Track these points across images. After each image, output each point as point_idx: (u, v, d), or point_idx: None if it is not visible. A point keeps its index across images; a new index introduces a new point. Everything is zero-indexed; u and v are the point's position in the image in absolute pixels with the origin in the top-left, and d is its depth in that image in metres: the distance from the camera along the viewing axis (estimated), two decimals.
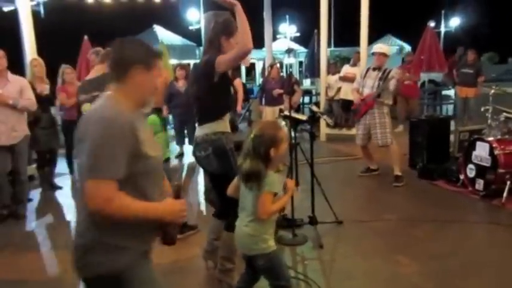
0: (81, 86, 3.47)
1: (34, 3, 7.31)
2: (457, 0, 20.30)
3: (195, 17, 16.80)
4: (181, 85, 5.60)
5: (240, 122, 7.71)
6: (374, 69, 5.02)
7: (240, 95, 6.18)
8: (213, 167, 2.57)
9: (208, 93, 2.53)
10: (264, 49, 10.54)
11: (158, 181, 1.57)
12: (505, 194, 4.08)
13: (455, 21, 22.11)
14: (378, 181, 5.13)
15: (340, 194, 4.58)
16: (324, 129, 7.67)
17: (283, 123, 3.91)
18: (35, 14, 7.07)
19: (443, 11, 21.32)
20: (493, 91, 4.76)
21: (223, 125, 2.57)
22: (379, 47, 5.21)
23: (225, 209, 2.56)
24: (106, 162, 1.35)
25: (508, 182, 4.07)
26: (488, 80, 7.84)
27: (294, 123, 3.61)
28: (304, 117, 3.71)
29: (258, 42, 10.96)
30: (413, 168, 5.39)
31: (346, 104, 7.59)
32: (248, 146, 1.99)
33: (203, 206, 4.44)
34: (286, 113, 3.65)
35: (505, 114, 4.45)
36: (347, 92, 7.48)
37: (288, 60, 16.15)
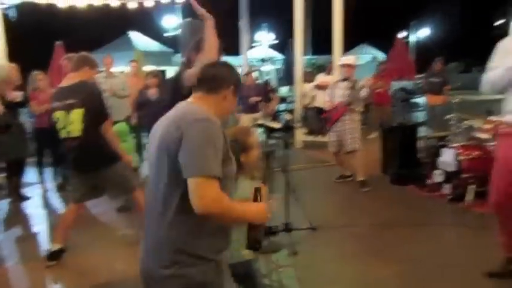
0: (55, 93, 3.39)
1: (5, 6, 7.10)
2: (426, 12, 21.03)
3: (172, 23, 16.71)
4: (152, 93, 5.52)
5: None
6: (343, 80, 5.16)
7: None
8: None
9: (171, 104, 2.56)
10: (240, 56, 10.59)
11: (232, 188, 1.61)
12: (469, 197, 4.24)
13: (425, 32, 22.90)
14: (352, 187, 5.21)
15: (315, 201, 4.63)
16: (300, 137, 7.75)
17: (259, 131, 3.94)
18: (6, 18, 6.88)
19: (413, 22, 22.05)
20: (456, 100, 4.98)
21: None
22: (346, 58, 5.43)
23: None
24: (211, 160, 1.37)
25: (472, 186, 4.23)
26: (455, 88, 8.11)
27: (269, 131, 3.65)
28: (278, 125, 3.76)
29: (235, 50, 11.00)
30: (386, 173, 5.52)
31: (321, 112, 7.69)
32: None
33: None
34: (260, 121, 3.68)
35: (466, 122, 4.65)
36: (322, 100, 7.59)
37: (265, 67, 16.30)
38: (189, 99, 1.57)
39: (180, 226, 1.43)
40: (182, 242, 1.44)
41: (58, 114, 3.19)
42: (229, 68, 1.63)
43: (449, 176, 4.51)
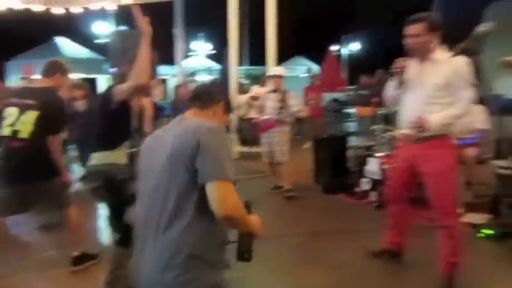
0: (17, 90, 3.26)
1: None
2: (357, 27, 22.42)
3: (103, 30, 16.12)
4: (80, 105, 5.33)
5: None
6: (273, 91, 5.34)
7: (148, 114, 6.06)
8: (106, 199, 2.54)
9: (103, 121, 2.55)
10: (176, 66, 10.51)
11: None
12: None
13: (356, 46, 24.38)
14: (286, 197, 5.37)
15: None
16: (236, 148, 7.84)
17: None
18: None
19: (345, 36, 23.36)
20: (382, 111, 5.40)
21: (115, 155, 2.55)
22: (275, 69, 5.65)
23: (126, 236, 2.51)
24: (228, 165, 1.50)
25: None
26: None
27: None
28: None
29: (170, 59, 10.87)
30: (319, 183, 5.78)
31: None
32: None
33: (105, 233, 4.22)
34: None
35: (389, 132, 5.05)
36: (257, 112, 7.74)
37: (202, 77, 16.29)
38: (186, 115, 1.71)
39: (193, 232, 1.51)
40: (195, 247, 1.52)
41: (11, 110, 3.05)
42: (220, 86, 1.83)
43: (375, 184, 4.85)
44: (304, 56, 19.22)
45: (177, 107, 6.83)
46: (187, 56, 15.15)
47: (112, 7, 7.19)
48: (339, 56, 19.59)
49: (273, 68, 5.92)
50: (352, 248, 3.77)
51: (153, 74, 2.79)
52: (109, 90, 2.64)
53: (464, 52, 2.13)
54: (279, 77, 5.35)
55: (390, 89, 3.06)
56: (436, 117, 2.73)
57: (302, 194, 5.31)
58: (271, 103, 5.28)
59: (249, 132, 8.57)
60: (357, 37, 23.87)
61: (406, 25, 2.80)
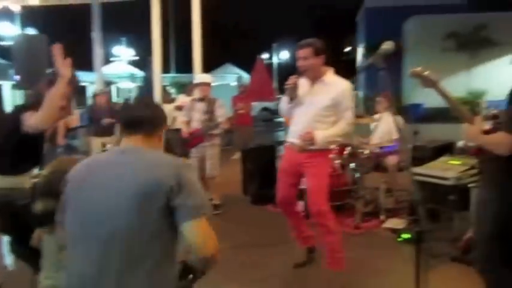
0: None
1: None
2: (286, 35, 23.34)
3: (8, 31, 14.94)
4: None
5: (63, 154, 7.18)
6: (200, 99, 5.31)
7: (61, 126, 5.76)
8: (4, 227, 2.37)
9: (7, 145, 2.38)
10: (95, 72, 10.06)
11: None
12: None
13: (285, 54, 25.31)
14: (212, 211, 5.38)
15: None
16: None
17: None
18: None
19: (275, 45, 24.16)
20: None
21: (17, 179, 2.40)
22: (201, 77, 5.60)
23: (34, 263, 2.36)
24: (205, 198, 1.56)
25: None
26: None
27: None
28: None
29: (89, 65, 10.41)
30: (247, 194, 5.86)
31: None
32: (41, 185, 1.91)
33: (8, 260, 3.88)
34: (110, 145, 3.59)
35: None
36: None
37: (124, 84, 15.80)
38: (129, 144, 1.62)
39: (158, 277, 1.46)
40: None
41: None
42: (161, 108, 1.82)
43: (303, 193, 5.02)
44: (234, 64, 19.49)
45: (94, 116, 6.56)
46: (108, 62, 14.61)
47: (17, 8, 6.68)
48: (269, 64, 20.16)
49: (199, 75, 5.89)
50: (280, 259, 3.86)
51: (73, 89, 2.61)
52: (18, 112, 2.42)
53: (369, 67, 2.36)
54: (206, 84, 5.28)
55: (283, 102, 3.46)
56: (322, 134, 3.20)
57: (230, 206, 5.34)
58: (197, 115, 5.23)
59: (176, 144, 8.47)
60: (286, 45, 24.79)
61: (297, 49, 3.26)
